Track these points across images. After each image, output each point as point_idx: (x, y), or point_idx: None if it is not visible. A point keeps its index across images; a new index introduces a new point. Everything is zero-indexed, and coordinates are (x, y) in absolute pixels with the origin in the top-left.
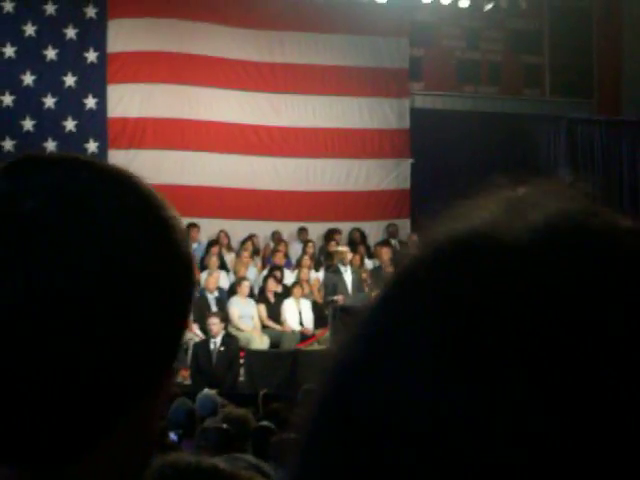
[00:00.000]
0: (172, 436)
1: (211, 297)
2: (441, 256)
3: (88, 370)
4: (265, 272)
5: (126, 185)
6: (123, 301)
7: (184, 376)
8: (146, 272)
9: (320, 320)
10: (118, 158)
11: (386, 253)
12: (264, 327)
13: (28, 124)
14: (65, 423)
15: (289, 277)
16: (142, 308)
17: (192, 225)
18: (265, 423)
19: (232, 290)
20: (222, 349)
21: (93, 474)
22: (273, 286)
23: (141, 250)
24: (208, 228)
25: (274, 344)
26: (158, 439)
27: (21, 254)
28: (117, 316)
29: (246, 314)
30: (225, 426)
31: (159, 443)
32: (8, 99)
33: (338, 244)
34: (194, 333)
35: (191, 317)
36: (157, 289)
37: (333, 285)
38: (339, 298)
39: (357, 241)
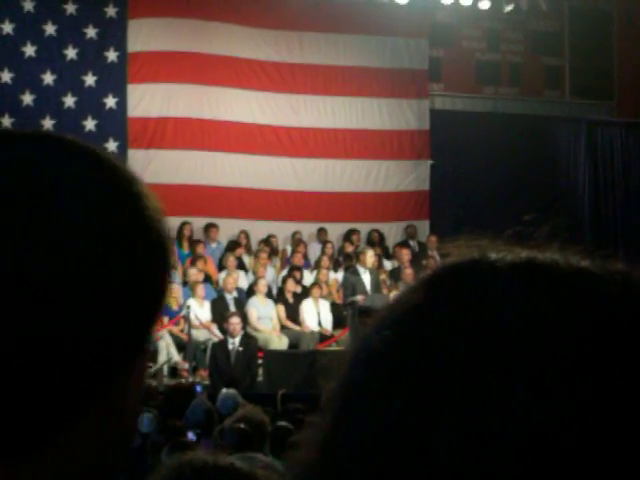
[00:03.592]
0: (190, 435)
1: (230, 297)
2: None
3: (51, 351)
4: (284, 272)
5: (94, 160)
6: (88, 279)
7: (202, 376)
8: (114, 248)
9: (339, 321)
10: (138, 158)
11: (405, 254)
12: (283, 327)
13: (48, 123)
14: (28, 408)
15: (308, 278)
16: (109, 286)
17: (211, 225)
18: (283, 423)
19: (251, 291)
20: (241, 349)
21: (63, 462)
22: (292, 287)
23: (108, 225)
24: (227, 228)
25: (293, 345)
26: (174, 437)
27: None
28: (82, 294)
29: (265, 315)
30: (243, 426)
31: (176, 442)
32: (28, 98)
33: (357, 245)
34: (213, 333)
35: (209, 317)
36: (125, 266)
37: (352, 286)
38: (359, 299)
39: (376, 242)
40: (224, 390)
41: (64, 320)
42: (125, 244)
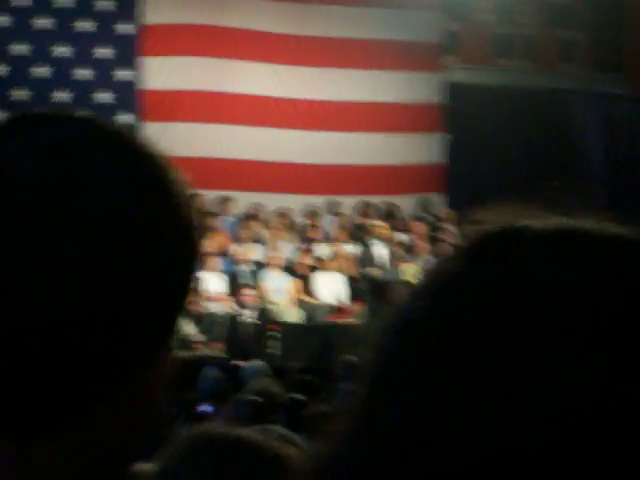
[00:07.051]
0: (204, 407)
1: (245, 270)
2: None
3: (74, 335)
4: (299, 245)
5: (125, 144)
6: (113, 263)
7: (218, 348)
8: (141, 235)
9: (354, 293)
10: (152, 130)
11: (419, 227)
12: (298, 300)
13: (62, 95)
14: (50, 391)
15: (323, 250)
16: (134, 272)
17: (226, 198)
18: (297, 395)
19: (265, 263)
20: (256, 322)
21: (84, 446)
22: (307, 259)
23: (136, 211)
24: (242, 201)
25: (308, 317)
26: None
27: (6, 211)
28: (106, 279)
29: (280, 287)
30: (257, 398)
31: (190, 414)
32: (42, 70)
33: (371, 218)
34: (228, 305)
35: (226, 289)
36: (152, 253)
37: (366, 258)
38: (374, 271)
39: (390, 215)
40: (253, 361)
41: (88, 303)
42: (153, 231)
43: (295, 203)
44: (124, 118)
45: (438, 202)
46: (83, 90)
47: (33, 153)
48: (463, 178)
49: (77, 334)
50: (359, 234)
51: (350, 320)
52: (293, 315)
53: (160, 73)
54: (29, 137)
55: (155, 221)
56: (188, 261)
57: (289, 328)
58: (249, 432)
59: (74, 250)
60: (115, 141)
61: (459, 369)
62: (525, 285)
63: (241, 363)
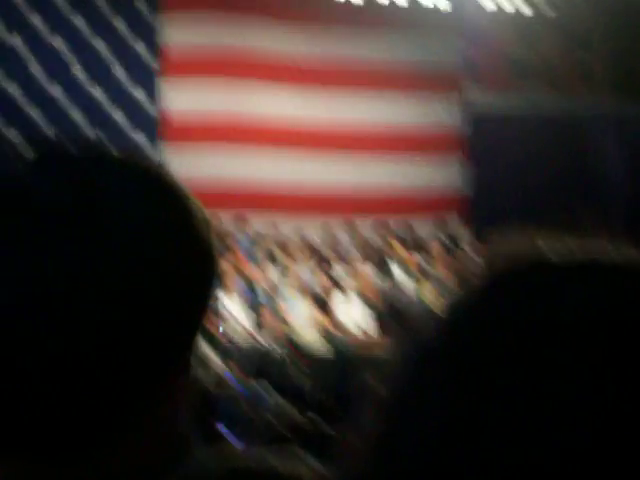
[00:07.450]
0: (220, 427)
1: (260, 291)
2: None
3: (96, 363)
4: (314, 265)
5: (145, 173)
6: (136, 292)
7: (233, 368)
8: (163, 263)
9: (373, 315)
10: (168, 151)
11: (436, 248)
12: (315, 323)
13: (77, 116)
14: (68, 417)
15: (338, 271)
16: (156, 301)
17: (241, 218)
18: (314, 416)
19: (281, 283)
20: (273, 344)
21: (107, 466)
22: (323, 279)
23: (159, 241)
24: (257, 221)
25: (325, 341)
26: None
27: (35, 243)
28: (130, 308)
29: (297, 309)
30: (273, 420)
31: (206, 434)
32: (57, 90)
33: (387, 238)
34: (245, 327)
35: (242, 311)
36: (174, 282)
37: (383, 279)
38: (391, 292)
39: (407, 236)
40: (257, 384)
41: (112, 332)
42: (176, 264)
43: (311, 224)
44: (139, 138)
45: (455, 223)
46: (98, 110)
47: (61, 190)
48: (483, 204)
49: (103, 363)
50: (377, 255)
51: (369, 343)
52: (311, 338)
53: (174, 93)
54: (57, 174)
55: (180, 248)
56: (209, 285)
57: (306, 352)
58: (277, 464)
59: (105, 278)
60: (140, 176)
61: (480, 399)
62: (546, 317)
63: (256, 386)
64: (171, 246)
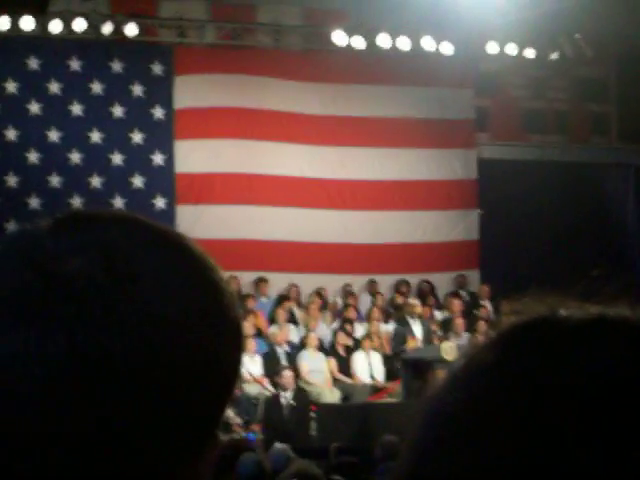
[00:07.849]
0: None
1: (281, 351)
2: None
3: (125, 432)
4: (335, 325)
5: (174, 245)
6: (168, 364)
7: (255, 431)
8: (192, 336)
9: (391, 373)
10: (186, 214)
11: (456, 304)
12: (335, 381)
13: (96, 181)
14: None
15: (359, 330)
16: (187, 373)
17: (261, 279)
18: (337, 477)
19: (302, 344)
20: (293, 403)
21: None
22: (343, 339)
23: (189, 314)
24: (277, 282)
25: (345, 398)
26: None
27: (65, 313)
28: (161, 380)
29: (316, 368)
30: None
31: None
32: (76, 157)
33: (407, 296)
34: (265, 387)
35: (261, 372)
36: (204, 354)
37: (402, 337)
38: (409, 350)
39: (426, 292)
40: (276, 444)
41: (158, 404)
42: (202, 332)
43: (330, 283)
44: (158, 202)
45: (474, 279)
46: (118, 176)
47: (83, 255)
48: (496, 253)
49: (133, 429)
50: (395, 312)
51: (387, 400)
52: (330, 396)
53: (191, 156)
54: (79, 238)
55: (210, 320)
56: (237, 354)
57: (326, 408)
58: None
59: (137, 350)
60: (161, 241)
61: (494, 464)
62: (559, 376)
63: (277, 445)
64: (209, 331)
